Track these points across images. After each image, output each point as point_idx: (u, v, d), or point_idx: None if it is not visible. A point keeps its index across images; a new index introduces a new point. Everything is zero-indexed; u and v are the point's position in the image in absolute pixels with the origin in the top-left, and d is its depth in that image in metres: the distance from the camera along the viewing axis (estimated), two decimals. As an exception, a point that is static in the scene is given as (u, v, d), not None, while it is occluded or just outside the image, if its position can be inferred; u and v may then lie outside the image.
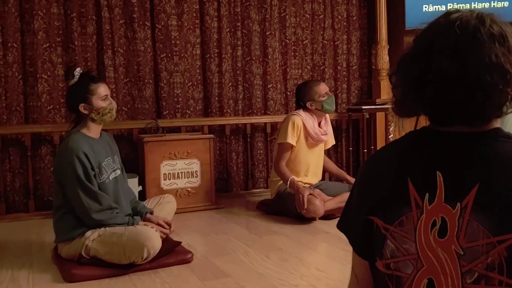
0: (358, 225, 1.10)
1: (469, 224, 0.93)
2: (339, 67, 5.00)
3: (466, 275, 0.93)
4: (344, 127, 4.93)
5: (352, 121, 4.88)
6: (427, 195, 0.97)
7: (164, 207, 3.10)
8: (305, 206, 3.41)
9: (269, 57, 4.68)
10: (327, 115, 3.90)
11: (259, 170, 4.69)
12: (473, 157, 0.97)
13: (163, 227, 2.81)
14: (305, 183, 3.73)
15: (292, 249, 2.90)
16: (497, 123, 1.02)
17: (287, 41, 4.77)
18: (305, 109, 3.75)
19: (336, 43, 4.97)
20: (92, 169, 2.60)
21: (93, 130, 2.74)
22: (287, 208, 3.60)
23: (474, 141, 0.98)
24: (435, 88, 0.97)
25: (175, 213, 3.30)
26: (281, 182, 3.70)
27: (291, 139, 3.64)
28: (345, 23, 4.98)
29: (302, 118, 3.68)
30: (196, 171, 3.97)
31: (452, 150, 0.99)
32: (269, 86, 4.70)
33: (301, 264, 2.65)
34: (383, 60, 4.67)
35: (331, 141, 4.01)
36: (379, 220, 1.04)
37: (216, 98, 4.53)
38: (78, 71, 2.73)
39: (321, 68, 4.93)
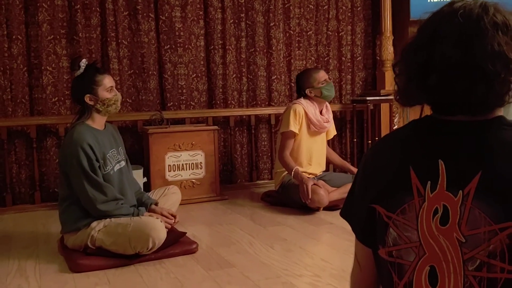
0: (361, 213, 1.10)
1: (471, 212, 0.93)
2: (343, 58, 4.98)
3: (467, 262, 0.94)
4: (348, 118, 4.92)
5: (356, 112, 4.88)
6: (429, 183, 0.98)
7: (169, 198, 3.12)
8: (310, 196, 3.42)
9: (273, 48, 4.67)
10: (328, 104, 3.90)
11: (264, 162, 4.69)
12: (475, 145, 0.97)
13: (167, 218, 2.83)
14: (309, 174, 3.74)
15: (297, 240, 2.91)
16: (500, 112, 1.02)
17: (291, 32, 4.76)
18: (306, 97, 3.76)
19: (340, 34, 4.95)
20: (97, 160, 2.62)
21: (98, 122, 2.76)
22: (291, 199, 3.61)
23: (477, 130, 0.98)
24: (438, 76, 0.97)
25: (180, 204, 3.31)
26: (285, 173, 3.71)
27: (293, 127, 3.65)
28: (349, 14, 4.96)
29: (303, 106, 3.69)
30: (200, 162, 3.98)
31: (455, 138, 0.99)
32: (273, 78, 4.69)
33: (305, 255, 2.66)
34: (388, 51, 4.65)
35: (332, 131, 4.02)
36: (382, 208, 1.05)
37: (220, 90, 4.53)
38: (84, 62, 2.74)
39: (326, 59, 4.92)
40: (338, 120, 4.90)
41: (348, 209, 1.20)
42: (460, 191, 0.94)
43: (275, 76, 4.70)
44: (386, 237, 1.05)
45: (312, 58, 4.86)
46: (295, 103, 3.75)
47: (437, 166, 0.97)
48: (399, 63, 1.07)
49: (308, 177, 3.63)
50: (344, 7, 4.93)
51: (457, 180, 0.95)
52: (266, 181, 4.61)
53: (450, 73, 0.95)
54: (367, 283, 1.19)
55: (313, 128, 3.74)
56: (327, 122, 3.81)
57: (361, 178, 1.15)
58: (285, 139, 3.70)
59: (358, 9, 4.99)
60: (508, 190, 0.91)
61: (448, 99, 0.99)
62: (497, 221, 0.91)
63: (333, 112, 4.72)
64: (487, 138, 0.97)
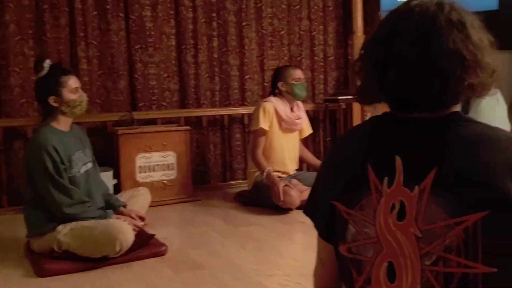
0: (323, 209, 1.10)
1: (427, 207, 0.94)
2: (316, 58, 5.00)
3: (424, 257, 0.94)
4: (321, 118, 4.94)
5: (329, 111, 4.90)
6: (386, 179, 0.98)
7: (138, 200, 3.07)
8: (282, 198, 3.41)
9: (246, 48, 4.65)
10: (300, 103, 3.90)
11: (237, 162, 4.67)
12: (432, 141, 0.97)
13: (136, 220, 2.78)
14: (283, 172, 3.73)
15: (268, 240, 2.90)
16: (456, 108, 1.03)
17: (264, 31, 4.75)
18: (277, 94, 3.77)
19: (312, 34, 4.96)
20: (62, 163, 2.56)
21: (63, 123, 2.70)
22: (264, 199, 3.59)
23: (434, 126, 0.99)
24: (396, 73, 0.97)
25: (151, 206, 3.28)
26: (258, 172, 3.69)
27: (263, 124, 3.64)
28: (321, 14, 4.97)
29: (273, 104, 3.70)
30: (172, 163, 3.93)
31: (412, 134, 1.00)
32: (246, 77, 4.67)
33: (277, 254, 2.65)
34: (360, 50, 4.67)
35: (307, 129, 4.02)
36: (341, 205, 1.05)
37: (193, 90, 4.49)
38: (47, 62, 2.68)
39: (298, 58, 4.92)
40: (311, 119, 4.88)
41: (311, 206, 1.20)
42: (417, 187, 0.95)
43: (248, 76, 4.69)
44: (346, 234, 1.05)
45: (285, 58, 4.86)
46: (265, 101, 3.77)
47: (394, 162, 0.97)
48: (359, 60, 1.08)
49: (281, 177, 3.62)
50: (316, 7, 4.94)
51: (413, 175, 0.95)
52: (240, 181, 4.57)
53: (407, 70, 0.96)
54: (329, 280, 1.19)
55: (285, 126, 3.74)
56: (298, 119, 3.82)
57: (322, 175, 1.16)
58: (256, 137, 3.69)
59: (330, 8, 5.01)
60: (464, 185, 0.92)
61: (405, 96, 0.99)
62: (453, 215, 0.91)
63: (306, 111, 4.74)
64: (443, 134, 0.97)
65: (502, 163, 0.92)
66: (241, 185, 4.42)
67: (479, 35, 0.98)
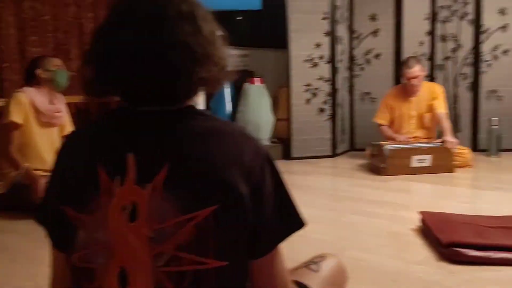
0: (53, 216, 1.00)
1: (160, 205, 0.89)
2: (86, 47, 4.71)
3: (157, 258, 0.89)
4: (94, 111, 4.69)
5: (103, 104, 4.68)
6: (118, 178, 0.91)
7: None
8: (42, 196, 3.11)
9: (3, 32, 4.14)
10: (62, 96, 3.61)
11: (-6, 161, 4.13)
12: (164, 136, 0.93)
13: None
14: (45, 170, 3.41)
15: (24, 248, 2.59)
16: (192, 101, 1.01)
17: (24, 15, 4.28)
18: (34, 85, 3.42)
19: (81, 21, 4.66)
20: None
21: None
22: (23, 201, 3.22)
23: (166, 120, 0.95)
24: (125, 64, 0.91)
25: None
26: (15, 172, 3.30)
27: (15, 117, 3.27)
28: (90, 0, 4.70)
29: (28, 95, 3.35)
30: None
31: (144, 130, 0.94)
32: (3, 66, 4.17)
33: (31, 264, 2.37)
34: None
35: (68, 126, 3.74)
36: (71, 210, 0.95)
37: None
38: None
39: (65, 47, 4.57)
40: (82, 112, 4.63)
41: (42, 212, 1.08)
42: (149, 185, 0.90)
43: (7, 64, 4.18)
44: (76, 241, 0.96)
45: (50, 45, 4.47)
46: (18, 91, 3.39)
47: (126, 160, 0.90)
48: (88, 51, 0.99)
49: (44, 176, 3.31)
50: (84, -7, 4.66)
51: (146, 173, 0.90)
52: (-2, 183, 4.06)
53: (135, 62, 0.90)
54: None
55: (43, 119, 3.41)
56: (58, 112, 3.52)
57: (52, 178, 1.04)
58: (7, 132, 3.29)
59: (100, -5, 4.77)
60: (195, 180, 0.90)
61: (135, 89, 0.94)
62: (186, 212, 0.89)
63: (76, 104, 4.46)
64: (175, 128, 0.94)
65: (232, 157, 0.92)
66: (-1, 188, 3.92)
67: (211, 29, 0.97)
